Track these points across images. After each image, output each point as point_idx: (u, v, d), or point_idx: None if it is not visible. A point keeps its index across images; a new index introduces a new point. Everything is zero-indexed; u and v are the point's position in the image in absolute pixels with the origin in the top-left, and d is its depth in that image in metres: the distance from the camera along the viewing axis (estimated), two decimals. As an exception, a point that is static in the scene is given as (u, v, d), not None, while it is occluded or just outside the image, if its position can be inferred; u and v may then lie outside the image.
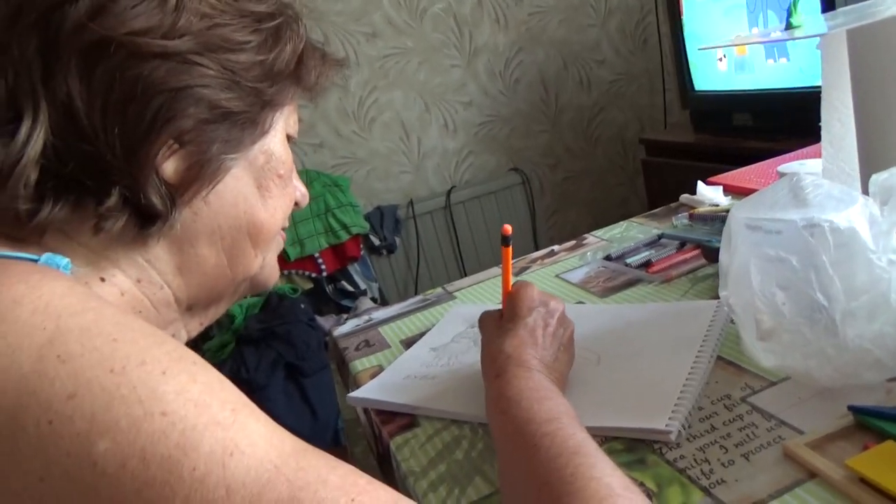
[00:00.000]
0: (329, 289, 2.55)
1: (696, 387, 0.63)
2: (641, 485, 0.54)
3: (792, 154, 1.29)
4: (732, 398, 0.62)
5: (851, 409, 0.54)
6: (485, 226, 2.86)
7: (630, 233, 1.14)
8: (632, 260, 0.98)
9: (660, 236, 1.05)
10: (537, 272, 1.07)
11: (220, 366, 1.93)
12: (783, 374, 0.62)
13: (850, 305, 0.55)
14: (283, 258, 2.42)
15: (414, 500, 0.61)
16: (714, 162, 1.93)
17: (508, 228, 0.70)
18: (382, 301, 2.61)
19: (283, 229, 0.60)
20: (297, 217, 2.45)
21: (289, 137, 0.58)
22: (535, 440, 0.50)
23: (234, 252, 0.54)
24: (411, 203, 2.77)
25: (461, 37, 2.76)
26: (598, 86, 2.98)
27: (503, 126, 2.90)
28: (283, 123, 0.56)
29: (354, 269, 2.56)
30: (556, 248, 1.17)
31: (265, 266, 0.58)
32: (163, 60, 0.46)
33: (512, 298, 0.68)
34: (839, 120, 0.81)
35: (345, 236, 2.49)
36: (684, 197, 1.20)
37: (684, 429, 0.59)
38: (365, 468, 0.40)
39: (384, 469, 0.77)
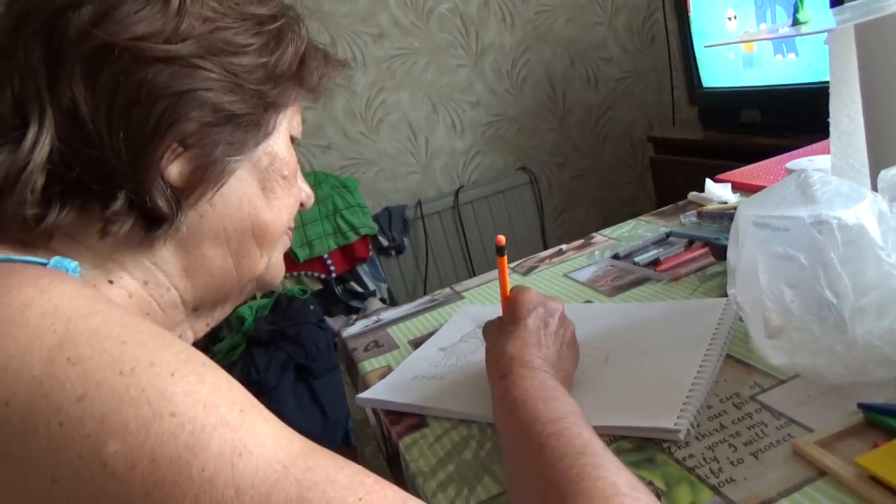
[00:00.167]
0: (338, 290, 2.55)
1: (704, 385, 0.63)
2: (650, 484, 0.54)
3: (801, 150, 1.28)
4: (741, 396, 0.62)
5: (861, 406, 0.54)
6: (493, 225, 2.85)
7: (638, 231, 1.13)
8: (640, 258, 0.98)
9: (668, 234, 1.04)
10: (545, 271, 1.07)
11: (230, 367, 1.94)
12: (792, 371, 0.62)
13: (859, 302, 0.55)
14: (293, 259, 2.43)
15: (423, 500, 0.61)
16: (723, 159, 1.92)
17: (502, 238, 0.70)
18: (391, 301, 2.61)
19: (290, 229, 0.60)
20: (305, 218, 2.46)
21: (292, 139, 0.58)
22: (540, 440, 0.50)
23: (240, 253, 0.54)
24: (419, 203, 2.77)
25: (468, 36, 2.76)
26: (605, 84, 2.97)
27: (511, 125, 2.89)
28: (286, 125, 0.57)
29: (363, 270, 2.57)
30: (563, 247, 1.17)
31: (271, 265, 0.59)
32: (166, 65, 0.46)
33: (511, 302, 0.68)
34: (848, 115, 0.81)
35: (353, 237, 2.50)
36: (692, 195, 1.20)
37: (693, 427, 0.59)
38: (375, 468, 0.41)
39: (394, 469, 0.77)
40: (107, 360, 0.37)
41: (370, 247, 2.59)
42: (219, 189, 0.51)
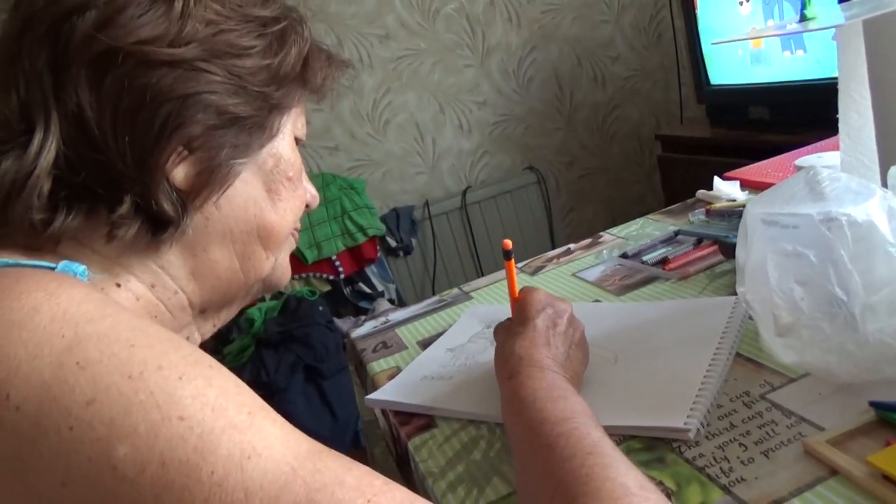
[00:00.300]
0: (347, 291, 2.56)
1: (714, 384, 0.62)
2: (660, 484, 0.54)
3: (809, 147, 1.27)
4: (751, 395, 0.61)
5: (873, 404, 0.53)
6: (501, 225, 2.85)
7: (646, 230, 1.13)
8: (648, 257, 0.97)
9: (676, 233, 1.04)
10: (553, 271, 1.07)
11: (240, 369, 1.95)
12: (803, 370, 0.62)
13: (869, 300, 0.54)
14: (301, 261, 2.44)
15: (433, 500, 0.61)
16: (731, 156, 1.91)
17: (509, 243, 0.71)
18: (400, 302, 2.61)
19: (296, 230, 0.61)
20: (314, 220, 2.46)
21: (297, 140, 0.58)
22: (549, 440, 0.50)
23: (246, 255, 0.55)
24: (427, 204, 2.77)
25: (474, 36, 2.76)
26: (612, 82, 2.97)
27: (518, 125, 2.89)
28: (290, 126, 0.57)
29: (371, 271, 2.57)
30: (572, 246, 1.17)
31: (277, 267, 0.59)
32: (170, 68, 0.46)
33: (520, 303, 0.68)
34: (857, 111, 0.80)
35: (361, 238, 2.50)
36: (701, 193, 1.19)
37: (703, 427, 0.58)
38: (384, 470, 0.41)
39: (403, 471, 0.77)
40: (115, 363, 0.37)
41: (378, 248, 2.60)
42: (224, 192, 0.51)
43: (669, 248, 0.99)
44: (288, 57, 0.53)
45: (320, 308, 2.15)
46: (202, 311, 0.56)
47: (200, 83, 0.47)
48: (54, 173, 0.45)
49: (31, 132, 0.45)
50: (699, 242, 0.97)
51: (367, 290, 2.55)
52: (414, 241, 2.73)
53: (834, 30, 0.80)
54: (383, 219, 2.64)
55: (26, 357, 0.36)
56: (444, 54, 2.74)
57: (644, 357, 0.71)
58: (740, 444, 0.56)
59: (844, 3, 0.86)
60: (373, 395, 0.81)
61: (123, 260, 0.50)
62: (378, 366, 0.90)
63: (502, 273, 1.13)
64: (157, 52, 0.46)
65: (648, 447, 0.59)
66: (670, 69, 2.94)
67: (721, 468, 0.54)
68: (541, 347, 0.63)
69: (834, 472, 0.50)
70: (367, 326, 1.06)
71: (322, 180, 2.51)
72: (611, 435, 0.51)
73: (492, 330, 0.84)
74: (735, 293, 0.68)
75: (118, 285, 0.49)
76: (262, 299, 2.20)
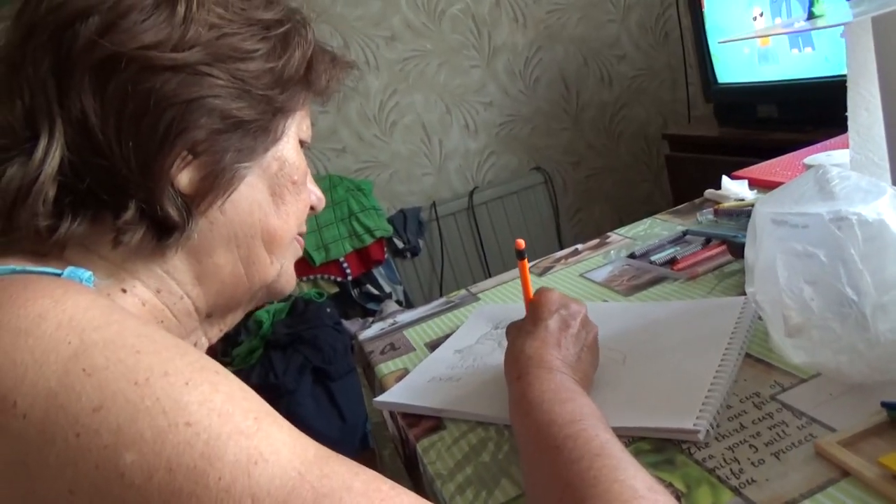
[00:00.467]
0: (354, 292, 2.56)
1: (724, 385, 0.62)
2: (670, 486, 0.54)
3: (818, 145, 1.27)
4: (761, 396, 0.61)
5: (884, 405, 0.53)
6: (508, 226, 2.85)
7: (654, 230, 1.13)
8: (656, 257, 0.97)
9: (684, 233, 1.03)
10: (561, 271, 1.07)
11: (248, 371, 1.95)
12: (813, 370, 0.61)
13: (881, 299, 0.54)
14: (309, 263, 2.44)
15: (441, 503, 0.61)
16: (739, 155, 1.89)
17: (522, 243, 0.71)
18: (407, 303, 2.61)
19: (301, 235, 0.60)
20: (321, 222, 2.47)
21: (302, 143, 0.58)
22: (557, 442, 0.49)
23: (251, 259, 0.55)
24: (434, 205, 2.77)
25: (480, 37, 2.76)
26: (619, 82, 2.96)
27: (524, 125, 2.89)
28: (295, 129, 0.57)
29: (379, 273, 2.57)
30: (579, 246, 1.16)
31: (282, 273, 0.59)
32: (173, 73, 0.46)
33: (534, 303, 0.68)
34: (866, 109, 0.80)
35: (369, 240, 2.50)
36: (709, 192, 1.18)
37: (713, 428, 0.58)
38: (393, 472, 0.40)
39: (412, 473, 0.77)
40: (122, 370, 0.37)
41: (385, 249, 2.60)
42: (229, 196, 0.51)
43: (678, 248, 0.98)
44: (292, 60, 0.53)
45: (328, 310, 2.16)
46: (208, 316, 0.56)
47: (204, 87, 0.47)
48: (59, 179, 0.45)
49: (36, 139, 0.45)
50: (708, 242, 0.96)
51: (375, 291, 2.55)
52: (421, 243, 2.73)
53: (842, 27, 0.80)
54: (390, 220, 2.64)
55: (33, 364, 0.36)
56: (450, 55, 2.74)
57: (653, 358, 0.71)
58: (751, 446, 0.55)
59: (853, 0, 0.85)
60: (381, 398, 0.81)
61: (129, 265, 0.50)
62: (386, 367, 0.90)
63: (510, 274, 1.13)
64: (159, 57, 0.46)
65: (657, 449, 0.58)
66: (677, 68, 2.93)
67: (731, 470, 0.53)
68: (551, 348, 0.62)
69: (845, 473, 0.49)
70: (375, 328, 1.06)
71: (329, 182, 2.51)
72: (619, 436, 0.51)
73: (500, 331, 0.84)
74: (744, 293, 0.67)
75: (124, 291, 0.49)
76: (271, 301, 2.20)
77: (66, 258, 0.47)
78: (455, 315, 1.02)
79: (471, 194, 2.80)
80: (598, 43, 2.89)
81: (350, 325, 2.29)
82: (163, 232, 0.49)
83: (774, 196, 0.63)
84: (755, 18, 1.93)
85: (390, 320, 1.08)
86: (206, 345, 0.57)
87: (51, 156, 0.45)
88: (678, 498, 0.52)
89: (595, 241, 1.16)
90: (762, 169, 1.25)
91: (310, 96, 0.58)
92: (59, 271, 0.45)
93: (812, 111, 1.82)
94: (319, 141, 2.62)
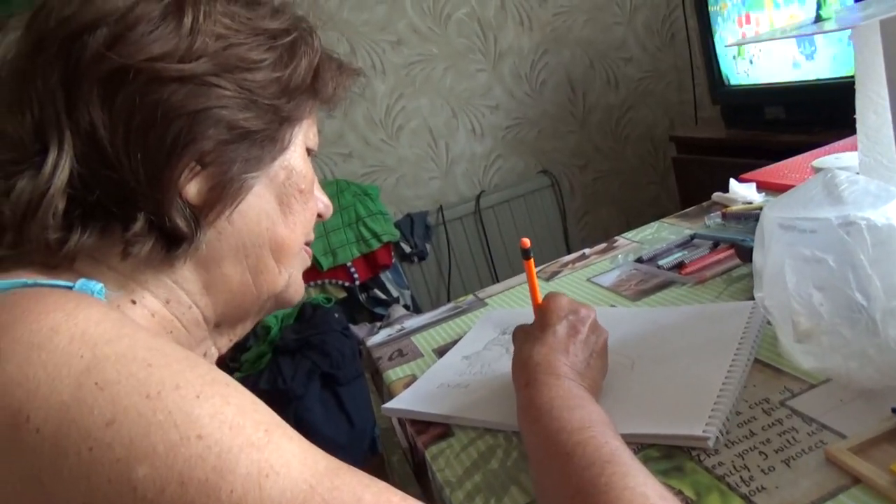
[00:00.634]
0: (362, 297, 2.56)
1: (733, 391, 0.62)
2: (679, 493, 0.53)
3: (827, 147, 1.26)
4: (771, 402, 0.61)
5: (895, 411, 0.52)
6: (515, 229, 2.84)
7: (662, 234, 1.12)
8: (664, 262, 0.96)
9: (692, 237, 1.03)
10: (569, 276, 1.07)
11: (257, 377, 1.96)
12: (823, 376, 0.61)
13: (890, 304, 0.53)
14: (317, 268, 2.44)
15: (450, 511, 0.61)
16: (747, 157, 1.89)
17: (527, 241, 0.69)
18: (415, 308, 2.61)
19: (308, 244, 0.60)
20: (328, 227, 2.47)
21: (309, 151, 0.58)
22: (567, 449, 0.49)
23: (259, 269, 0.55)
24: (441, 209, 2.77)
25: (486, 41, 2.76)
26: (625, 84, 2.95)
27: (531, 128, 2.88)
28: (302, 137, 0.57)
29: (386, 277, 2.57)
30: (587, 251, 1.16)
31: (291, 283, 0.59)
32: (181, 84, 0.47)
33: (542, 309, 0.67)
34: (875, 112, 0.79)
35: (376, 245, 2.50)
36: (717, 195, 1.18)
37: (722, 434, 0.58)
38: (402, 478, 0.41)
39: (421, 480, 0.77)
40: (133, 383, 0.37)
41: (393, 254, 2.60)
42: (237, 206, 0.52)
43: (685, 252, 0.98)
44: (298, 69, 0.54)
45: (336, 315, 2.16)
46: (217, 326, 0.56)
47: (211, 98, 0.48)
48: (69, 192, 0.46)
49: (46, 152, 0.45)
50: (715, 246, 0.96)
51: (383, 296, 2.55)
52: (428, 247, 2.74)
53: (850, 30, 0.79)
54: (397, 225, 2.64)
55: (46, 379, 0.37)
56: (457, 59, 2.74)
57: (661, 363, 0.70)
58: (760, 453, 0.55)
59: (861, 3, 0.85)
60: (389, 404, 0.81)
61: (138, 276, 0.50)
62: (394, 374, 0.90)
63: (518, 279, 1.13)
64: (167, 69, 0.46)
65: (667, 455, 0.58)
66: (684, 70, 2.93)
67: (741, 477, 0.53)
68: (559, 354, 0.62)
69: (856, 480, 0.49)
70: (383, 334, 1.06)
71: (336, 187, 2.52)
72: (628, 443, 0.51)
73: (507, 336, 0.84)
74: (753, 298, 0.67)
75: (133, 302, 0.50)
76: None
77: (76, 269, 0.48)
78: (463, 320, 1.02)
79: (477, 198, 2.80)
80: (604, 45, 2.89)
81: (358, 329, 2.29)
82: (171, 243, 0.49)
83: (782, 200, 0.63)
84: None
85: (398, 326, 1.08)
86: (215, 354, 0.57)
87: (60, 169, 0.45)
88: (688, 505, 0.52)
89: (602, 246, 1.16)
90: (770, 171, 1.25)
91: (317, 104, 0.58)
92: (70, 284, 0.45)
93: (820, 113, 1.81)
94: (326, 146, 2.62)
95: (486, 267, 2.86)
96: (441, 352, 0.92)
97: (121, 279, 0.49)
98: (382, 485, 0.39)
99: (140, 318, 0.49)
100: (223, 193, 0.50)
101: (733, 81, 2.16)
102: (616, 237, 1.18)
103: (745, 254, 0.88)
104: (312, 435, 0.41)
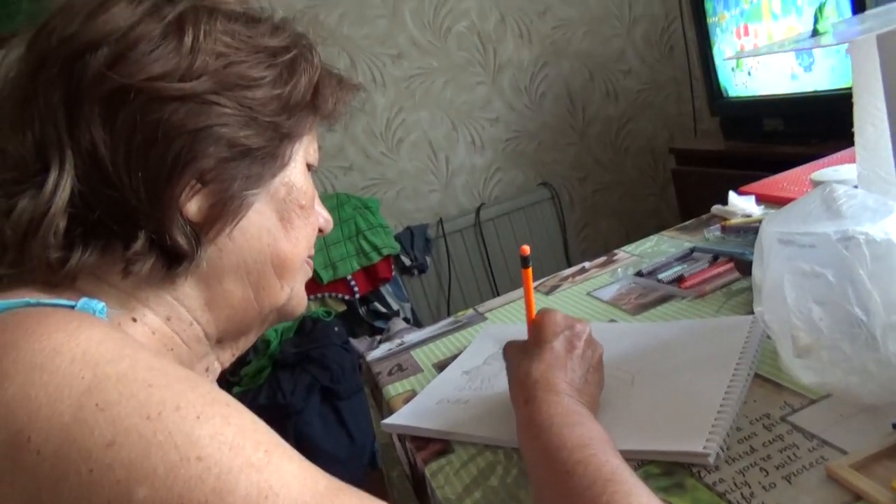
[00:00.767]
0: (362, 310, 2.56)
1: (733, 406, 0.61)
2: (680, 510, 0.53)
3: (826, 159, 1.26)
4: (772, 417, 0.60)
5: (896, 426, 0.52)
6: (515, 242, 2.84)
7: (661, 247, 1.12)
8: (664, 275, 0.96)
9: (692, 250, 1.03)
10: (568, 290, 1.06)
11: (256, 391, 1.95)
12: (824, 391, 0.61)
13: (890, 319, 0.53)
14: (317, 281, 2.44)
15: (450, 529, 0.61)
16: (746, 169, 1.90)
17: (527, 248, 0.68)
18: (415, 321, 2.61)
19: (310, 257, 0.61)
20: (329, 240, 2.47)
21: (309, 166, 0.58)
22: (567, 467, 0.49)
23: (261, 285, 0.55)
24: (441, 222, 2.77)
25: (485, 54, 2.77)
26: (625, 96, 2.96)
27: (530, 141, 2.89)
28: (302, 153, 0.57)
29: (387, 291, 2.57)
30: (586, 264, 1.16)
31: (293, 297, 0.59)
32: (181, 103, 0.47)
33: (536, 325, 0.67)
34: (872, 125, 0.79)
35: (376, 258, 2.50)
36: (716, 208, 1.18)
37: (723, 451, 0.57)
38: (402, 493, 0.40)
39: (420, 496, 0.77)
40: (134, 404, 0.37)
41: (393, 267, 2.60)
42: (237, 223, 0.52)
43: (685, 266, 0.98)
44: (298, 85, 0.54)
45: (336, 329, 2.15)
46: (219, 341, 0.56)
47: (211, 116, 0.48)
48: (70, 211, 0.46)
49: (47, 171, 0.45)
50: (715, 259, 0.96)
51: (383, 309, 2.55)
52: (428, 260, 2.73)
53: (847, 44, 0.80)
54: (397, 237, 2.64)
55: (47, 400, 0.37)
56: (456, 72, 2.75)
57: (661, 378, 0.70)
58: (761, 469, 0.55)
59: (857, 16, 0.85)
60: (389, 420, 0.80)
61: (139, 293, 0.50)
62: (394, 389, 0.90)
63: (518, 293, 1.12)
64: (167, 88, 0.47)
65: (667, 472, 0.58)
66: (683, 82, 2.94)
67: (742, 494, 0.53)
68: (557, 371, 0.62)
69: (858, 497, 0.49)
70: (383, 349, 1.06)
71: (336, 200, 2.52)
72: (628, 460, 0.51)
73: (507, 351, 0.84)
74: (752, 311, 0.67)
75: (134, 320, 0.50)
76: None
77: (78, 288, 0.48)
78: (463, 335, 1.01)
79: (477, 211, 2.81)
80: (603, 58, 2.90)
81: (358, 343, 2.29)
82: (172, 260, 0.49)
83: (781, 215, 0.63)
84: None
85: (398, 340, 1.08)
86: (218, 369, 0.57)
87: (61, 188, 0.45)
88: (689, 522, 0.52)
89: (602, 259, 1.16)
90: (769, 184, 1.25)
91: (317, 120, 0.58)
92: (72, 303, 0.45)
93: (819, 124, 1.81)
94: (326, 159, 2.63)
95: (486, 279, 2.86)
96: (441, 366, 0.91)
97: (122, 297, 0.49)
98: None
99: (141, 336, 0.49)
100: (224, 211, 0.50)
101: (732, 93, 2.17)
102: (616, 251, 1.18)
103: (745, 267, 0.88)
104: (312, 449, 0.40)
